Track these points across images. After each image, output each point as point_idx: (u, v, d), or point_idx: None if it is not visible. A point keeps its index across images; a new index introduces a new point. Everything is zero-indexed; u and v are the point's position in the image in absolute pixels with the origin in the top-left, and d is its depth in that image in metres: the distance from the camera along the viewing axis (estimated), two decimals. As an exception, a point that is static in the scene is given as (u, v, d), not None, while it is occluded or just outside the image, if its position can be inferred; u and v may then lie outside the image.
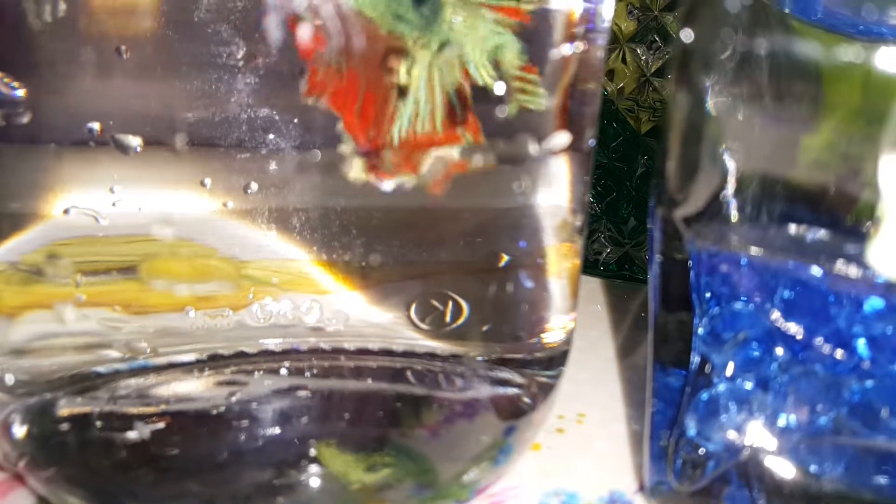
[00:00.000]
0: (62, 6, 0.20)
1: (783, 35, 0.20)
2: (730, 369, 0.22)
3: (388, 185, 0.22)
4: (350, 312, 0.23)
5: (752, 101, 0.21)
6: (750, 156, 0.21)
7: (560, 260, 0.26)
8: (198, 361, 0.23)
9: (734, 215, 0.22)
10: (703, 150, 0.22)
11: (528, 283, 0.25)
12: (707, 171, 0.22)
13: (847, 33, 0.20)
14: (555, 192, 0.25)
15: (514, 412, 0.25)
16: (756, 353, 0.22)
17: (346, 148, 0.21)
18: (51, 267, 0.22)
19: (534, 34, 0.23)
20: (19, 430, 0.23)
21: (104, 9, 0.20)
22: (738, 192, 0.21)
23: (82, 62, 0.21)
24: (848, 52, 0.19)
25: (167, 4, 0.20)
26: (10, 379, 0.23)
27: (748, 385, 0.22)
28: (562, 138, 0.24)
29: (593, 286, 0.44)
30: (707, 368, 0.23)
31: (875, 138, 0.20)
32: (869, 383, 0.21)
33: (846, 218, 0.21)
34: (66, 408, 0.23)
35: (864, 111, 0.20)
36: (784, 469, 0.22)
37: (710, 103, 0.21)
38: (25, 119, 0.21)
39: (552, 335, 0.26)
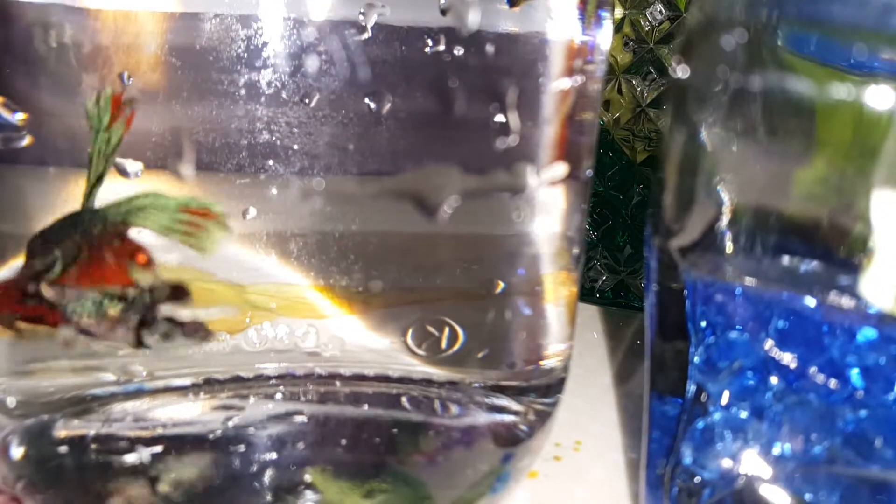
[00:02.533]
0: (68, 31, 0.20)
1: (777, 72, 0.21)
2: (725, 398, 0.23)
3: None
4: (346, 338, 0.23)
5: (746, 136, 0.21)
6: (744, 188, 0.22)
7: (557, 287, 0.26)
8: (193, 385, 0.23)
9: (729, 246, 0.22)
10: (699, 182, 0.22)
11: (526, 311, 0.25)
12: (702, 202, 0.22)
13: (840, 67, 0.20)
14: (552, 220, 0.25)
15: (511, 439, 0.25)
16: (751, 382, 0.22)
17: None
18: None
19: (533, 67, 0.23)
20: (17, 452, 0.23)
21: (108, 34, 0.21)
22: (733, 223, 0.22)
23: (85, 88, 0.21)
24: (840, 90, 0.19)
25: (171, 33, 0.21)
26: (11, 402, 0.23)
27: (743, 414, 0.23)
28: (559, 169, 0.24)
29: (589, 313, 0.44)
30: (703, 397, 0.23)
31: (866, 173, 0.20)
32: (863, 413, 0.22)
33: (839, 250, 0.21)
34: (64, 430, 0.23)
35: (855, 146, 0.20)
36: (779, 498, 0.22)
37: (705, 137, 0.21)
38: (25, 142, 0.21)
39: (549, 362, 0.26)
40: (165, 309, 0.22)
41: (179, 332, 0.22)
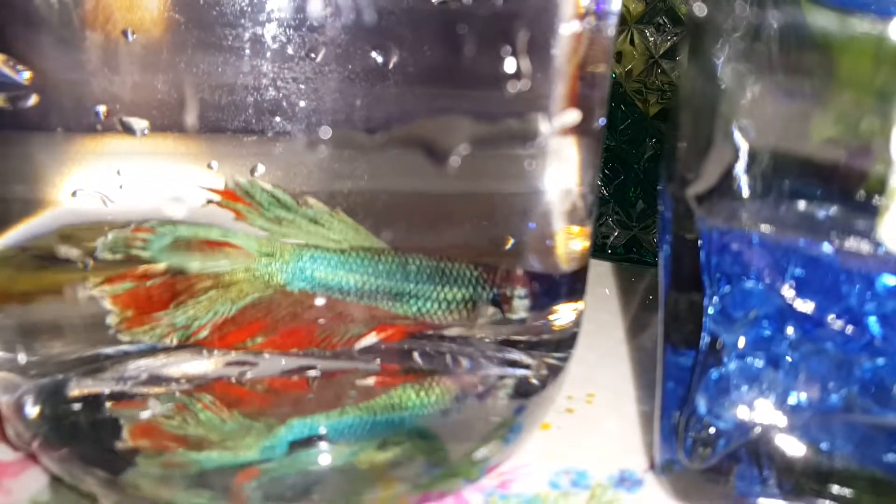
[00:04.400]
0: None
1: (795, 7, 0.20)
2: (740, 347, 0.22)
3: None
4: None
5: (763, 76, 0.21)
6: (761, 131, 0.21)
7: (569, 243, 0.26)
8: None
9: (745, 191, 0.22)
10: (715, 125, 0.22)
11: (537, 266, 0.25)
12: (718, 147, 0.22)
13: (860, 13, 0.20)
14: (564, 174, 0.25)
15: (523, 392, 0.25)
16: (767, 332, 0.22)
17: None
18: (59, 251, 0.22)
19: (543, 13, 0.23)
20: (32, 411, 0.23)
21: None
22: (750, 168, 0.21)
23: (88, 45, 0.21)
24: (860, 24, 0.19)
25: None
26: (22, 358, 0.23)
27: (759, 363, 0.22)
28: (572, 116, 0.24)
29: (601, 269, 0.44)
30: (718, 347, 0.23)
31: (887, 112, 0.20)
32: (880, 361, 0.21)
33: (857, 193, 0.21)
34: (77, 388, 0.23)
35: (876, 84, 0.20)
36: (794, 447, 0.22)
37: (722, 78, 0.21)
38: (31, 102, 0.21)
39: (561, 317, 0.26)
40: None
41: None
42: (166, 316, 0.22)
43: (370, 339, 0.23)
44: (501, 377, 0.25)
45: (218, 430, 0.23)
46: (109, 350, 0.23)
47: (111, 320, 0.22)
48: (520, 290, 0.24)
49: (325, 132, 0.21)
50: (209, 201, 0.21)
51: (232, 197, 0.21)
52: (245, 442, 0.22)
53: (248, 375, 0.23)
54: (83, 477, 0.23)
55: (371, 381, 0.24)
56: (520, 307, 0.25)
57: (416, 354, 0.25)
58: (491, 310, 0.24)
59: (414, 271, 0.23)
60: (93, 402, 0.23)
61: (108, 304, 0.22)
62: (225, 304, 0.22)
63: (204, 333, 0.22)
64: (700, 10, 0.21)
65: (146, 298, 0.22)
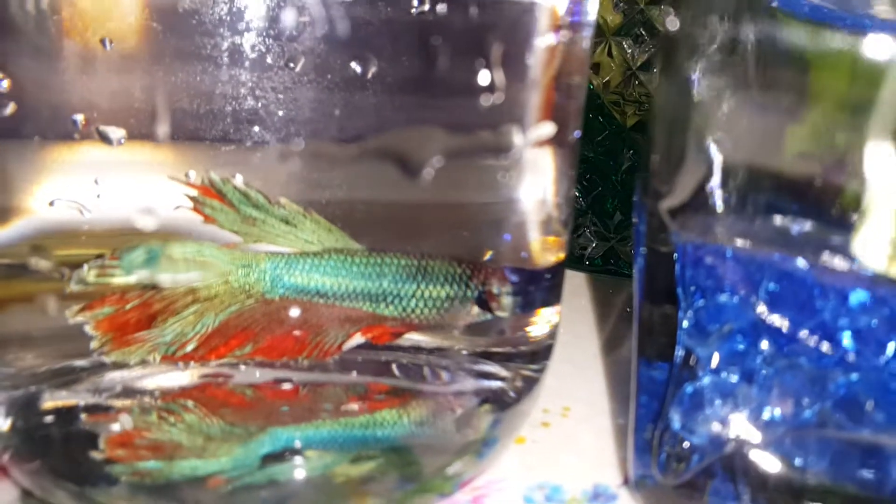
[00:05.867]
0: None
1: (770, 23, 0.20)
2: (714, 362, 0.23)
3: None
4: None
5: (738, 90, 0.21)
6: (735, 146, 0.21)
7: (544, 254, 0.26)
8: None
9: (719, 206, 0.22)
10: (689, 139, 0.22)
11: (513, 277, 0.25)
12: (692, 161, 0.22)
13: (834, 27, 0.20)
14: (539, 185, 0.25)
15: (498, 405, 0.25)
16: (741, 346, 0.22)
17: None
18: (38, 261, 0.22)
19: (518, 25, 0.23)
20: (3, 423, 0.23)
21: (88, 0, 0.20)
22: (724, 182, 0.21)
23: (66, 54, 0.21)
24: (835, 40, 0.19)
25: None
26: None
27: (733, 378, 0.22)
28: (545, 129, 0.24)
29: (578, 281, 0.44)
30: (692, 361, 0.23)
31: (861, 127, 0.20)
32: (854, 376, 0.21)
33: (832, 209, 0.21)
34: (51, 401, 0.23)
35: (850, 99, 0.20)
36: (769, 462, 0.22)
37: (696, 92, 0.21)
38: (9, 111, 0.21)
39: (536, 329, 0.26)
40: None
41: None
42: (151, 335, 0.22)
43: (356, 340, 0.23)
44: (477, 390, 0.25)
45: (201, 433, 0.22)
46: (83, 362, 0.23)
47: (94, 345, 0.22)
48: (506, 287, 0.24)
49: (302, 142, 0.21)
50: (179, 206, 0.21)
51: (205, 192, 0.21)
52: (222, 449, 0.22)
53: (223, 389, 0.23)
54: (54, 490, 0.23)
55: (355, 406, 0.24)
56: (507, 304, 0.25)
57: (393, 367, 0.25)
58: (476, 309, 0.24)
59: (393, 271, 0.23)
60: (66, 414, 0.23)
61: (89, 330, 0.22)
62: (209, 318, 0.22)
63: (190, 347, 0.22)
64: (672, 24, 0.21)
65: (127, 321, 0.22)
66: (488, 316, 0.24)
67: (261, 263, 0.22)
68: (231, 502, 0.22)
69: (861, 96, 0.20)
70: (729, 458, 0.23)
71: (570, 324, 0.37)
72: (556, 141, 0.24)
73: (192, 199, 0.21)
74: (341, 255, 0.23)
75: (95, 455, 0.22)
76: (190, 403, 0.23)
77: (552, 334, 0.27)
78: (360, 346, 0.24)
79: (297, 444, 0.23)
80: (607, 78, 0.42)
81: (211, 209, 0.22)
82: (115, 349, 0.22)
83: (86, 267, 0.22)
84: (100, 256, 0.22)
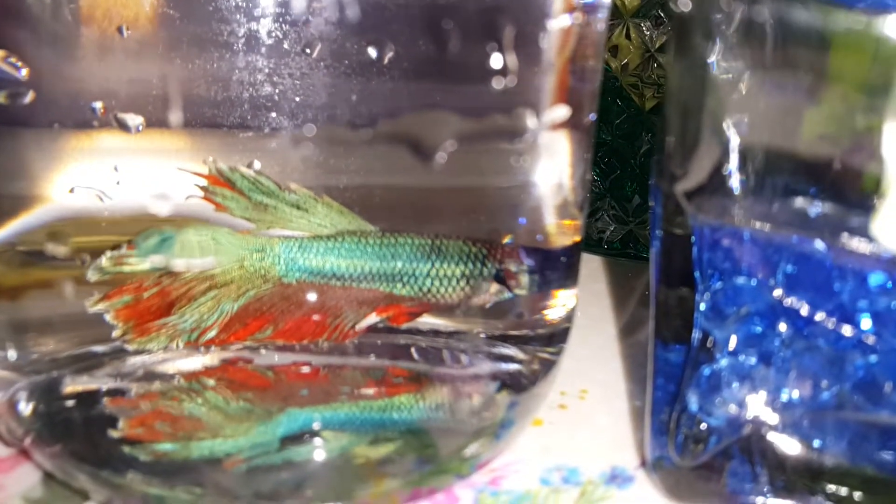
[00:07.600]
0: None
1: (787, 2, 0.20)
2: (732, 344, 0.22)
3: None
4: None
5: (754, 71, 0.21)
6: (752, 127, 0.21)
7: (561, 237, 0.26)
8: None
9: (737, 189, 0.22)
10: (704, 121, 0.22)
11: (529, 261, 0.25)
12: (708, 143, 0.22)
13: (854, 6, 0.20)
14: (554, 169, 0.25)
15: (515, 387, 0.25)
16: (758, 329, 0.22)
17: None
18: (56, 247, 0.22)
19: (532, 7, 0.23)
20: (25, 408, 0.23)
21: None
22: (741, 164, 0.21)
23: (83, 42, 0.21)
24: (854, 20, 0.19)
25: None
26: (12, 355, 0.23)
27: (751, 360, 0.22)
28: (560, 112, 0.24)
29: (596, 265, 0.44)
30: (709, 343, 0.23)
31: (880, 108, 0.20)
32: (872, 358, 0.21)
33: (850, 191, 0.21)
34: (72, 385, 0.23)
35: (869, 80, 0.20)
36: (787, 444, 0.22)
37: (711, 73, 0.21)
38: (28, 99, 0.21)
39: (553, 312, 0.26)
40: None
41: None
42: (171, 321, 0.22)
43: (371, 319, 0.23)
44: (494, 373, 0.25)
45: (221, 411, 0.23)
46: (104, 347, 0.23)
47: (116, 333, 0.22)
48: (522, 265, 0.24)
49: (317, 128, 0.21)
50: (191, 196, 0.22)
51: (214, 181, 0.22)
52: (240, 429, 0.22)
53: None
54: (75, 473, 0.23)
55: (371, 390, 0.24)
56: (526, 282, 0.25)
57: (412, 350, 0.25)
58: (495, 287, 0.24)
59: (407, 251, 0.23)
60: (87, 398, 0.23)
61: (110, 319, 0.22)
62: (228, 303, 0.22)
63: (212, 333, 0.23)
64: (685, 4, 0.21)
65: (146, 309, 0.22)
66: (507, 294, 0.24)
67: (274, 247, 0.22)
68: (249, 483, 0.22)
69: (881, 77, 0.20)
70: (746, 440, 0.23)
71: (587, 307, 0.37)
72: (571, 124, 0.24)
73: (203, 188, 0.22)
74: (355, 237, 0.23)
75: (114, 434, 0.22)
76: (211, 381, 0.23)
77: (569, 317, 0.27)
78: (378, 330, 0.24)
79: (316, 425, 0.23)
80: (625, 60, 0.42)
81: (222, 198, 0.22)
82: (136, 337, 0.22)
83: (103, 258, 0.22)
84: (116, 246, 0.22)
